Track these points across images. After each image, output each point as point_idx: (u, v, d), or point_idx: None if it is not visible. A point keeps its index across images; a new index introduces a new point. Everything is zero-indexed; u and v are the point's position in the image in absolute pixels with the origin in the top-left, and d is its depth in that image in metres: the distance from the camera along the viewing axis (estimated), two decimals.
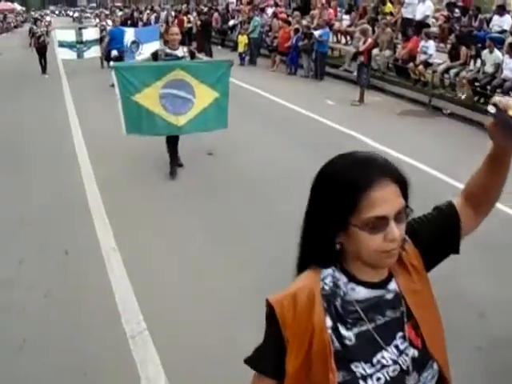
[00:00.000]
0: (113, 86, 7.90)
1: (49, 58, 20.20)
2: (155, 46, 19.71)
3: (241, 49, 21.02)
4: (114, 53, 17.00)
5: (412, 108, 13.78)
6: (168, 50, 7.80)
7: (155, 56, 7.87)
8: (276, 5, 24.15)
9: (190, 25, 26.63)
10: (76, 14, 71.48)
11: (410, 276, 1.60)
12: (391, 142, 9.69)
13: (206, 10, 28.34)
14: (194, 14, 27.40)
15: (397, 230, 1.44)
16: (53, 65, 20.44)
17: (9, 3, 70.26)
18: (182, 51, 7.81)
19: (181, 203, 7.31)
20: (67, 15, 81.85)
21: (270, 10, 23.61)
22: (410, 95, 14.63)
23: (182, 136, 8.09)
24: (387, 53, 16.36)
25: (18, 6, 76.98)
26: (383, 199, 1.43)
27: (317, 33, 17.22)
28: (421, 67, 14.78)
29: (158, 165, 8.47)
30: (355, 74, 16.12)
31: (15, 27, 51.82)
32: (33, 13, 67.39)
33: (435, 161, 8.74)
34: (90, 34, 20.46)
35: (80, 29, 21.27)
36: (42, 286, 5.20)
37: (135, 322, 4.58)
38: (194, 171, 8.42)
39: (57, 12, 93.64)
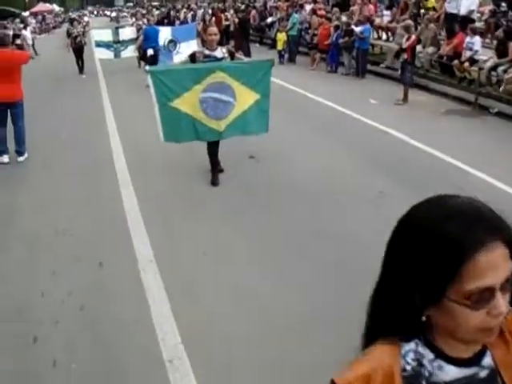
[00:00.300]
0: (148, 86, 7.47)
1: (86, 59, 20.18)
2: (193, 44, 19.60)
3: (280, 46, 20.60)
4: (150, 52, 16.83)
5: (457, 107, 13.27)
6: (206, 52, 7.42)
7: (193, 58, 7.54)
8: (314, 1, 23.66)
9: (227, 23, 26.37)
10: (113, 14, 71.91)
11: (508, 347, 1.27)
12: (438, 143, 9.45)
13: (243, 7, 28.00)
14: (232, 11, 27.06)
15: (503, 303, 1.12)
16: (90, 65, 20.38)
17: (47, 4, 70.98)
18: (221, 52, 7.45)
19: (223, 213, 6.94)
20: (105, 15, 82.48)
21: (308, 7, 23.16)
22: (455, 93, 14.13)
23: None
24: (431, 49, 15.81)
25: (56, 7, 77.75)
26: (491, 265, 1.10)
27: (358, 29, 16.78)
28: (466, 64, 14.25)
29: (198, 171, 8.12)
30: (398, 71, 15.66)
31: (54, 28, 52.30)
32: (71, 13, 68.07)
33: (488, 165, 8.31)
34: (127, 33, 20.29)
35: (117, 28, 21.13)
36: (76, 298, 4.94)
37: (173, 345, 4.26)
38: (235, 177, 8.03)
39: (95, 12, 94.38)
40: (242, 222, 6.63)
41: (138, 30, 20.19)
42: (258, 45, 26.79)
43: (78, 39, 19.85)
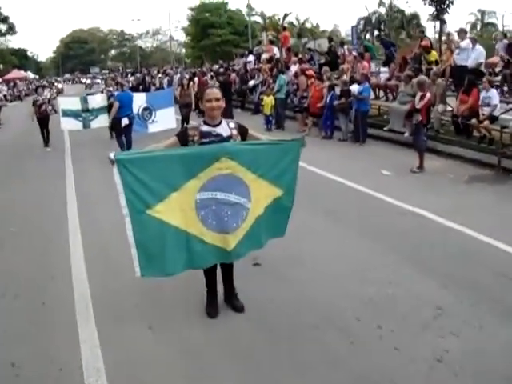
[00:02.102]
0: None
1: (54, 129, 18.09)
2: (170, 112, 17.76)
3: (267, 111, 18.58)
4: (125, 121, 14.96)
5: (479, 172, 11.47)
6: (204, 128, 4.95)
7: (184, 138, 4.95)
8: (300, 61, 21.93)
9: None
10: (88, 81, 70.59)
11: None
12: (470, 220, 7.94)
13: (222, 70, 26.28)
14: (210, 74, 25.31)
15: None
16: (58, 136, 18.35)
17: (22, 71, 69.72)
18: (226, 128, 5.00)
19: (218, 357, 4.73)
20: (80, 82, 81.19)
21: (293, 68, 21.40)
22: (473, 155, 12.33)
23: None
24: (441, 108, 14.01)
25: (31, 75, 76.67)
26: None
27: (355, 89, 14.93)
28: (486, 123, 12.40)
29: (183, 294, 5.89)
30: (406, 135, 13.83)
31: (26, 95, 50.29)
32: (42, 80, 66.74)
33: None
34: (97, 101, 18.20)
35: (86, 95, 19.14)
36: None
37: None
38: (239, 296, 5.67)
39: (70, 80, 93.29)
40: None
41: (108, 97, 18.17)
42: (239, 110, 25.05)
43: (43, 108, 17.81)
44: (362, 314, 5.30)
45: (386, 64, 18.47)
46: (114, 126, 15.63)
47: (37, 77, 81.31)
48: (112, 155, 4.59)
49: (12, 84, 53.24)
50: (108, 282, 6.27)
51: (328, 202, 9.28)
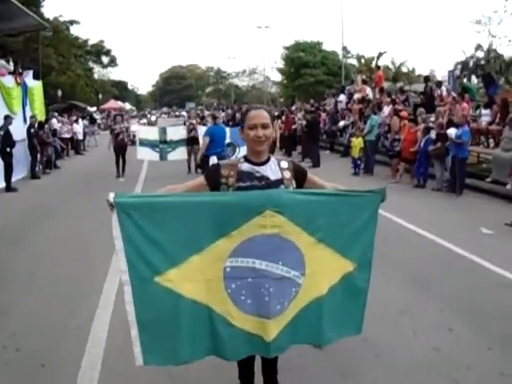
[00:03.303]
0: None
1: (132, 161, 17.57)
2: None
3: (355, 153, 17.20)
4: (214, 160, 13.06)
5: None
6: (245, 166, 3.51)
7: (214, 178, 3.51)
8: (393, 102, 20.40)
9: (294, 126, 23.58)
10: (183, 113, 71.39)
11: None
12: None
13: (313, 108, 25.12)
14: (300, 113, 24.19)
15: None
16: (135, 167, 17.67)
17: (119, 102, 71.35)
18: (276, 168, 3.54)
19: None
20: (175, 116, 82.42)
21: (386, 109, 19.94)
22: None
23: None
24: None
25: (128, 106, 78.50)
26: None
27: (453, 132, 13.31)
28: None
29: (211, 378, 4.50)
30: (508, 187, 12.23)
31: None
32: (139, 112, 68.12)
33: None
34: (176, 133, 17.67)
35: (165, 127, 18.54)
36: None
37: None
38: None
39: (166, 113, 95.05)
40: None
41: (189, 131, 17.44)
42: (328, 151, 23.85)
43: (121, 137, 17.25)
44: None
45: (487, 106, 16.65)
46: (202, 163, 14.21)
47: (134, 108, 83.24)
48: (111, 196, 3.23)
49: (106, 113, 54.28)
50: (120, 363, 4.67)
51: (414, 266, 7.67)
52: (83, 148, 28.92)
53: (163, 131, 17.57)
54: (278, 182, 3.50)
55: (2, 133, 15.26)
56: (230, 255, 3.32)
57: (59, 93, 46.25)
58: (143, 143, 17.24)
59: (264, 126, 3.43)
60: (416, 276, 7.21)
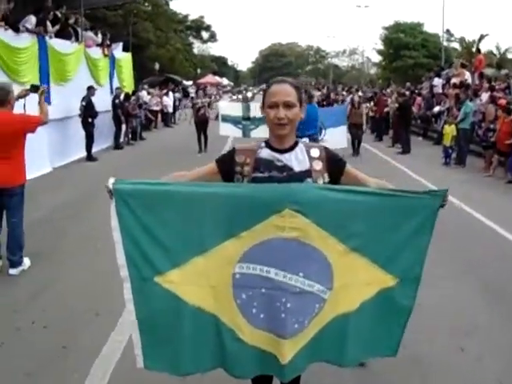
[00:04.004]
0: None
1: (215, 137, 17.21)
2: (341, 131, 16.02)
3: (447, 142, 16.10)
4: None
5: None
6: (265, 153, 2.88)
7: (227, 166, 2.90)
8: (491, 89, 18.96)
9: (387, 109, 22.55)
10: None
11: None
12: None
13: (407, 92, 23.96)
14: (393, 96, 23.12)
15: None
16: (219, 142, 17.24)
17: (216, 77, 71.64)
18: (303, 156, 2.89)
19: None
20: None
21: (484, 96, 18.58)
22: None
23: None
24: None
25: (226, 81, 78.76)
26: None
27: None
28: None
29: None
30: None
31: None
32: (236, 88, 68.29)
33: None
34: (259, 110, 17.08)
35: (249, 103, 18.11)
36: None
37: None
38: None
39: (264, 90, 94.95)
40: None
41: None
42: (421, 138, 22.75)
43: (202, 111, 16.98)
44: None
45: None
46: None
47: (231, 83, 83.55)
48: (111, 182, 2.75)
49: (202, 87, 54.53)
50: None
51: (491, 272, 6.78)
52: (173, 121, 29.06)
53: (247, 108, 17.05)
54: (305, 174, 2.83)
55: (84, 103, 15.32)
56: (240, 260, 2.72)
57: (156, 66, 46.79)
58: (226, 119, 16.79)
59: (287, 105, 2.76)
60: (491, 284, 6.37)
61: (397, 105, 20.20)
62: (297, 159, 2.87)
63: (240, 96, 50.88)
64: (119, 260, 2.76)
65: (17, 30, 12.48)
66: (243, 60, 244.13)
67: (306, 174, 2.83)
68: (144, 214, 2.73)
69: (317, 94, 36.13)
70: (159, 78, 45.18)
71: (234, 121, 16.80)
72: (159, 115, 26.55)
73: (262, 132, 16.90)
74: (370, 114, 23.83)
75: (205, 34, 79.22)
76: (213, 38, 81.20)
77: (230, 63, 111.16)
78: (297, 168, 2.84)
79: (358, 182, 2.95)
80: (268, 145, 2.90)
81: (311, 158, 2.88)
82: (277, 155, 2.86)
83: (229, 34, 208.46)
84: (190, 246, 2.76)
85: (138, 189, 2.78)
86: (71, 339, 4.77)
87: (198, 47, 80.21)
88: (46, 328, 5.01)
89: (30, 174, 12.37)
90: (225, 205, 2.70)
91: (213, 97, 18.34)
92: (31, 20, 13.31)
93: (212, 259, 2.74)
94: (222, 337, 2.78)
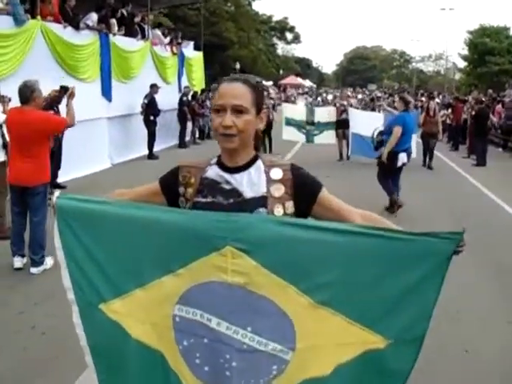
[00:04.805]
0: None
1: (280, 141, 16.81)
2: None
3: None
4: (403, 159, 9.53)
5: None
6: (212, 172, 2.35)
7: (170, 186, 2.40)
8: None
9: (464, 116, 21.56)
10: (360, 96, 69.60)
11: None
12: None
13: (487, 100, 22.84)
14: (470, 103, 22.10)
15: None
16: (286, 146, 17.03)
17: (298, 79, 71.30)
18: (259, 177, 2.28)
19: None
20: (355, 97, 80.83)
21: None
22: None
23: None
24: None
25: (308, 83, 78.27)
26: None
27: None
28: None
29: None
30: None
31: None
32: (319, 90, 67.63)
33: None
34: (324, 114, 16.61)
35: (313, 107, 17.68)
36: None
37: None
38: None
39: (349, 93, 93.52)
40: None
41: (340, 113, 16.37)
42: (500, 149, 21.49)
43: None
44: None
45: None
46: (388, 162, 9.50)
47: (314, 85, 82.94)
48: (55, 195, 2.41)
49: (282, 89, 54.54)
50: None
51: None
52: None
53: (311, 112, 16.65)
54: (257, 202, 2.24)
55: (146, 101, 15.33)
56: (179, 301, 2.24)
57: (237, 65, 47.02)
58: (289, 122, 16.43)
59: (237, 110, 2.20)
60: None
61: (473, 113, 19.26)
62: (249, 182, 2.29)
63: (319, 98, 50.42)
64: (64, 282, 2.44)
65: (77, 27, 12.60)
66: (328, 62, 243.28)
67: (260, 201, 2.24)
68: (84, 235, 2.40)
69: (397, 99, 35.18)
70: None
71: (298, 125, 16.42)
72: None
73: (326, 138, 16.50)
74: (448, 121, 22.89)
75: (289, 35, 79.25)
76: (297, 39, 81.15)
77: (314, 65, 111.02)
78: (248, 193, 2.26)
79: (337, 215, 2.33)
80: (219, 161, 2.36)
81: (270, 181, 2.27)
82: (226, 175, 2.31)
83: (313, 36, 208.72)
84: (129, 275, 2.36)
85: (80, 207, 2.43)
86: (64, 349, 4.54)
87: (281, 48, 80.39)
88: (44, 334, 4.89)
89: (89, 169, 12.78)
90: (161, 234, 2.24)
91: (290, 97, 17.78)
92: (93, 17, 13.46)
93: (151, 294, 2.32)
94: (169, 379, 2.34)
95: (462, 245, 2.10)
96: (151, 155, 15.64)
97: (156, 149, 16.20)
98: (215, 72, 43.15)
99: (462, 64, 60.15)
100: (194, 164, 2.40)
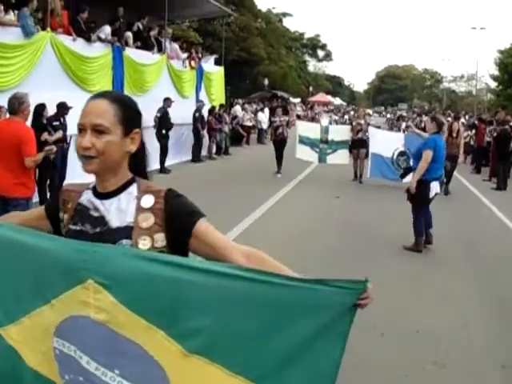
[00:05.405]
0: None
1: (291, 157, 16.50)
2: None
3: None
4: (436, 188, 8.41)
5: None
6: (86, 197, 2.14)
7: (53, 212, 2.23)
8: None
9: (488, 138, 21.12)
10: (388, 116, 68.99)
11: None
12: None
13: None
14: (492, 125, 21.65)
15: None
16: (300, 164, 16.71)
17: (328, 96, 71.14)
18: (127, 205, 2.06)
19: None
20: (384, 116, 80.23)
21: None
22: None
23: None
24: None
25: (338, 101, 78.04)
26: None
27: None
28: None
29: None
30: None
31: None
32: (347, 108, 67.34)
33: None
34: (339, 132, 16.32)
35: (327, 125, 17.47)
36: None
37: None
38: None
39: (378, 112, 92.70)
40: None
41: (356, 132, 15.90)
42: None
43: (280, 130, 16.48)
44: None
45: None
46: (417, 191, 8.25)
47: (344, 103, 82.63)
48: None
49: (310, 106, 54.50)
50: None
51: None
52: (267, 137, 28.92)
53: (325, 130, 16.30)
54: (121, 233, 2.04)
55: (158, 115, 15.31)
56: (55, 333, 2.06)
57: (266, 81, 47.02)
58: (303, 141, 16.12)
59: (97, 129, 1.98)
60: None
61: (495, 134, 18.86)
62: (118, 209, 2.07)
63: (346, 116, 50.13)
64: None
65: (88, 40, 12.67)
66: (360, 81, 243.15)
67: (124, 232, 2.03)
68: None
69: (424, 119, 34.63)
70: (266, 93, 45.60)
71: (312, 143, 16.11)
72: (251, 131, 26.36)
73: (339, 158, 16.05)
74: (471, 142, 22.47)
75: (320, 53, 79.31)
76: (328, 56, 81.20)
77: (346, 83, 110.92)
78: (114, 223, 2.05)
79: (215, 252, 2.03)
80: (94, 186, 2.16)
81: (139, 209, 2.05)
82: (96, 202, 2.11)
83: (345, 54, 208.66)
84: (17, 302, 2.20)
85: None
86: None
87: (313, 65, 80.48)
88: None
89: None
90: (35, 261, 2.07)
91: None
92: (105, 30, 13.53)
93: (36, 323, 2.16)
94: None
95: (365, 297, 1.88)
96: (163, 169, 15.60)
97: (169, 163, 16.16)
98: (245, 87, 43.37)
99: (493, 84, 59.24)
100: (74, 188, 2.23)
